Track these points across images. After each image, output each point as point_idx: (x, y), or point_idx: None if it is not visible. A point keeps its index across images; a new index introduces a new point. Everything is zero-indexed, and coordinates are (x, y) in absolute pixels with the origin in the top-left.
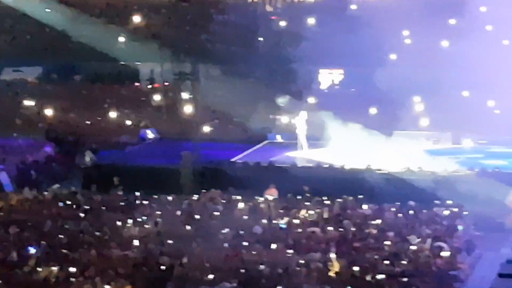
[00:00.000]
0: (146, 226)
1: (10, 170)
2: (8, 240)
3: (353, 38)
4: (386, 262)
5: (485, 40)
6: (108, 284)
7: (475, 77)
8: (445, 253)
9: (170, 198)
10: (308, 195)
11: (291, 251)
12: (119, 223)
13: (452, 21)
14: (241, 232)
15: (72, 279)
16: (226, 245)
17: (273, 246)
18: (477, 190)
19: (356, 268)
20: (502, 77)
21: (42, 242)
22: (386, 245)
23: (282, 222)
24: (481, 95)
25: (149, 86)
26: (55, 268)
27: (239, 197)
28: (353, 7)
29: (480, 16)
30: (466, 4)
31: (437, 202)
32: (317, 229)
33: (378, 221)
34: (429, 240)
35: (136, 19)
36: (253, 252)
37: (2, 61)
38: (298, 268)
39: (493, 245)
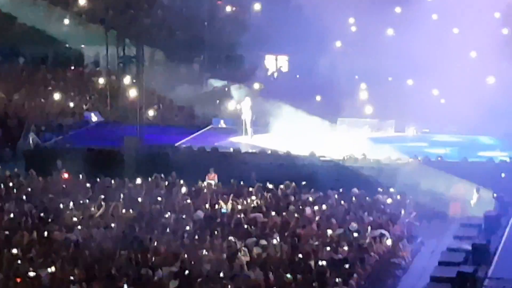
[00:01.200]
0: (89, 209)
1: None
2: None
3: (298, 24)
4: (328, 248)
5: (431, 29)
6: (50, 266)
7: (420, 66)
8: (387, 241)
9: (113, 181)
10: (255, 181)
11: (232, 236)
12: (61, 205)
13: (397, 9)
14: (183, 216)
15: (14, 261)
16: (168, 229)
17: (215, 231)
18: (420, 178)
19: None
20: (446, 67)
21: None
22: (328, 231)
23: (224, 208)
24: (425, 84)
25: (94, 70)
26: None
27: (181, 181)
28: None
29: (426, 5)
30: None
31: (380, 190)
32: (259, 215)
33: (321, 207)
34: (370, 228)
35: (81, 2)
36: (195, 237)
37: None
38: (239, 254)
39: (435, 234)
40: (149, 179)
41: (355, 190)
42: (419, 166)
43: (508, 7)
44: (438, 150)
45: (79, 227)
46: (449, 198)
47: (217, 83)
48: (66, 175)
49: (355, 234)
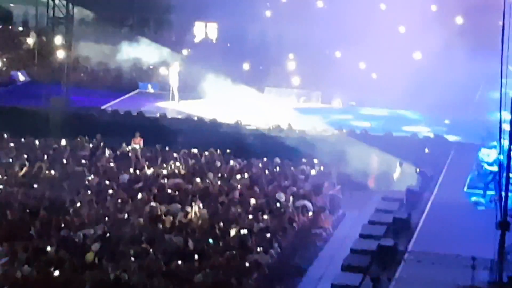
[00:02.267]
0: (12, 168)
1: None
2: None
3: None
4: (250, 216)
5: (361, 1)
6: None
7: (348, 38)
8: (309, 211)
9: (37, 141)
10: (179, 147)
11: (155, 202)
12: None
13: None
14: (107, 179)
15: None
16: (90, 191)
17: (138, 195)
18: (344, 150)
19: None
20: (375, 40)
21: None
22: (250, 200)
23: (148, 172)
24: (353, 56)
25: (22, 29)
26: None
27: (106, 144)
28: None
29: None
30: None
31: (304, 160)
32: (182, 181)
33: (244, 176)
34: (293, 198)
35: None
36: (118, 200)
37: None
38: (161, 218)
39: (357, 206)
40: (74, 140)
41: (278, 160)
42: (344, 138)
43: None
44: (363, 123)
45: (0, 186)
46: (370, 170)
47: (146, 47)
48: None
49: (278, 204)
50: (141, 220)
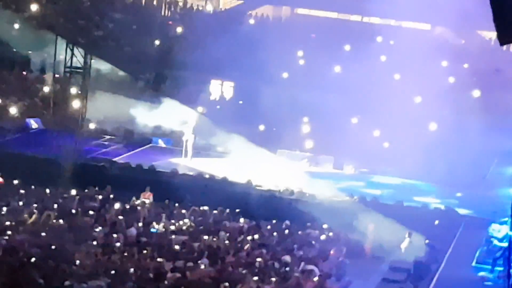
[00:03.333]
0: (21, 215)
1: None
2: None
3: (247, 52)
4: (256, 278)
5: (378, 70)
6: None
7: (364, 105)
8: (315, 277)
9: (47, 190)
10: (189, 204)
11: (162, 257)
12: None
13: (347, 47)
14: (115, 232)
15: None
16: (97, 243)
17: (145, 250)
18: (353, 217)
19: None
20: (390, 109)
21: None
22: (258, 261)
23: (155, 227)
24: (367, 124)
25: (39, 76)
26: None
27: (116, 197)
28: (251, 21)
29: (375, 45)
30: (363, 32)
31: (312, 224)
32: (190, 238)
33: (253, 237)
34: (301, 263)
35: (33, 7)
36: (124, 254)
37: None
38: (167, 275)
39: (363, 274)
40: (84, 191)
41: (288, 222)
42: (354, 205)
43: (456, 57)
44: (374, 190)
45: (8, 232)
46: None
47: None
48: (0, 179)
49: (284, 267)
50: (146, 275)
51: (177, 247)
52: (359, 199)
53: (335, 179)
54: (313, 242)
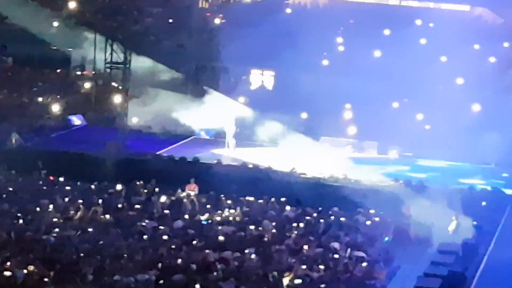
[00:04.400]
0: (67, 212)
1: None
2: None
3: (286, 40)
4: (304, 266)
5: (418, 53)
6: (26, 267)
7: (406, 89)
8: (363, 262)
9: (93, 186)
10: (234, 194)
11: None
12: (40, 207)
13: (386, 32)
14: (161, 225)
15: None
16: (145, 237)
17: (193, 241)
18: (399, 202)
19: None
20: (432, 92)
21: None
22: (305, 249)
23: (204, 218)
24: (410, 108)
25: (80, 73)
26: None
27: (161, 190)
28: (288, 10)
29: (415, 29)
30: (402, 16)
31: (359, 210)
32: (237, 228)
33: (299, 225)
34: (348, 249)
35: (71, 5)
36: (172, 246)
37: None
38: (215, 265)
39: (412, 258)
40: (129, 185)
41: (335, 209)
42: (400, 189)
43: (496, 36)
44: (419, 174)
45: (56, 229)
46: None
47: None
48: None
49: (332, 254)
50: (194, 266)
51: (223, 238)
52: (404, 183)
53: (379, 164)
54: (360, 228)
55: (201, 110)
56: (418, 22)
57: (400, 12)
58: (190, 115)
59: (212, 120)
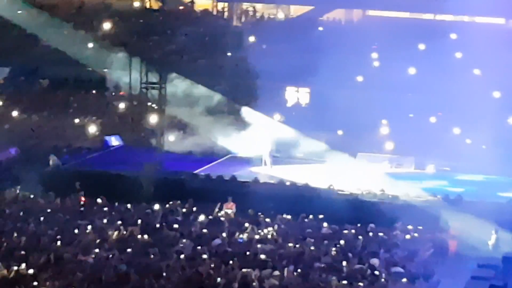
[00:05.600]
0: (105, 232)
1: None
2: None
3: (321, 57)
4: (344, 282)
5: (454, 67)
6: None
7: (442, 103)
8: (403, 278)
9: (130, 206)
10: (272, 212)
11: (248, 267)
12: (79, 228)
13: (421, 46)
14: (200, 244)
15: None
16: (183, 256)
17: (232, 260)
18: (438, 217)
19: None
20: (469, 106)
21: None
22: (344, 266)
23: (242, 237)
24: (447, 122)
25: (115, 94)
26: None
27: (199, 209)
28: (323, 26)
29: (449, 42)
30: (436, 30)
31: (397, 226)
32: (275, 246)
33: (338, 242)
34: (386, 264)
35: (106, 26)
36: (211, 265)
37: None
38: (254, 284)
39: (451, 273)
40: (167, 205)
41: (372, 225)
42: (438, 204)
43: None
44: (457, 189)
45: (95, 250)
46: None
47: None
48: (83, 198)
49: (371, 270)
50: (235, 285)
51: (263, 256)
52: (442, 198)
53: (417, 179)
54: (399, 243)
55: (237, 128)
56: (453, 36)
57: (434, 26)
58: (226, 134)
59: (249, 138)
